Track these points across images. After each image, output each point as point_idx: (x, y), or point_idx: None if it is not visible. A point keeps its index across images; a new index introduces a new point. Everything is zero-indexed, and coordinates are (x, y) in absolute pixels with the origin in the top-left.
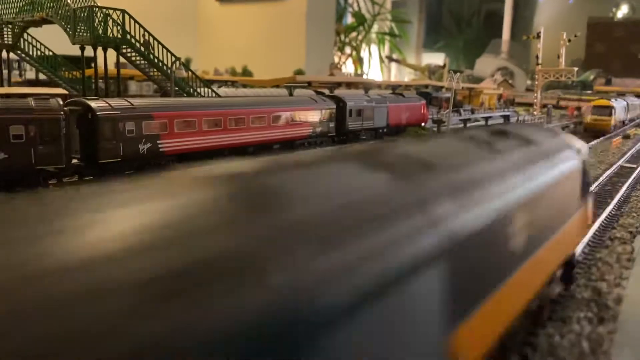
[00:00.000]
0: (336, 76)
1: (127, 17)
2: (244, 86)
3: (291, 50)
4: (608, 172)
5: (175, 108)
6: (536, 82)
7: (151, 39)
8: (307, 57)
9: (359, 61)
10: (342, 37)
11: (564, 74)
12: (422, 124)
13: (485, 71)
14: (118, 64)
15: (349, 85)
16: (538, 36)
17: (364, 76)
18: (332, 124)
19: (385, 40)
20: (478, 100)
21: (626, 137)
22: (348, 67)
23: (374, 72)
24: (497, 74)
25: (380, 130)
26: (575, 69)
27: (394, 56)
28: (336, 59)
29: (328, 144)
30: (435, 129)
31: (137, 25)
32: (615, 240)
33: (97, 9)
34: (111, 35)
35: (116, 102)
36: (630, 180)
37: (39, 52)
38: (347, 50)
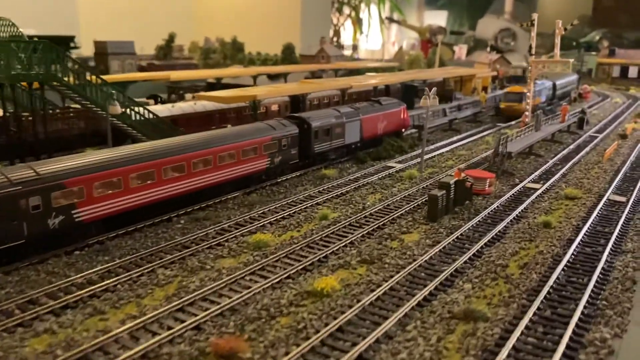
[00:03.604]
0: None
1: (54, 49)
2: (221, 84)
3: (285, 20)
4: (592, 218)
5: (93, 169)
6: (529, 75)
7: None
8: (302, 27)
9: (357, 22)
10: None
11: (559, 65)
12: (403, 130)
13: (487, 32)
14: (43, 97)
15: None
16: (532, 24)
17: (364, 37)
18: (294, 151)
19: None
20: (470, 85)
21: (623, 136)
22: (347, 29)
23: (373, 34)
24: (497, 44)
25: (353, 146)
26: (571, 60)
27: (395, 16)
28: (334, 20)
29: (291, 171)
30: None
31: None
32: None
33: (14, 44)
34: (34, 71)
35: (17, 174)
36: (615, 231)
37: None
38: (346, 10)
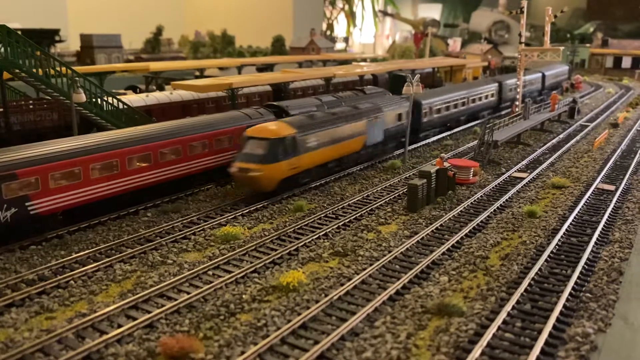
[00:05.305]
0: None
1: (12, 34)
2: (201, 75)
3: (277, 14)
4: (579, 207)
5: (49, 159)
6: (518, 64)
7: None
8: (294, 20)
9: (351, 15)
10: None
11: (549, 54)
12: None
13: (481, 25)
14: (2, 84)
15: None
16: (522, 11)
17: (358, 30)
18: None
19: None
20: (460, 76)
21: (614, 125)
22: (340, 23)
23: (366, 27)
24: (491, 37)
25: None
26: (562, 48)
27: (388, 9)
28: (327, 13)
29: None
30: None
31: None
32: None
33: None
34: None
35: None
36: (603, 220)
37: None
38: (339, 3)
